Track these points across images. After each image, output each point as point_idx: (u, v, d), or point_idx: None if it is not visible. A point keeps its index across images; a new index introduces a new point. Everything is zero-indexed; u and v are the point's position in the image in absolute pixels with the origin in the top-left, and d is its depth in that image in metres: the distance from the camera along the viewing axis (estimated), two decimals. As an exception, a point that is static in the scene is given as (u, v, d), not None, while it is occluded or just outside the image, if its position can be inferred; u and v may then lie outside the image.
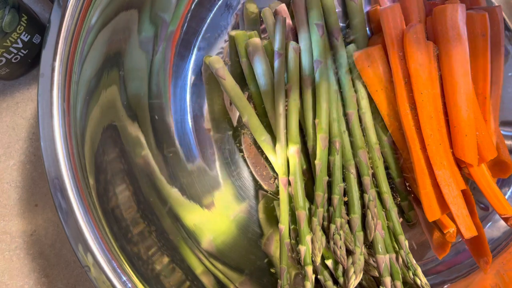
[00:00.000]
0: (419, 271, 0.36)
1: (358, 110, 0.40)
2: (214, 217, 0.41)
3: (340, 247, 0.35)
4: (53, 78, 0.32)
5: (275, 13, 0.43)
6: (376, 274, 0.37)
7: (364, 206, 0.37)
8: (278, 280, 0.36)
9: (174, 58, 0.42)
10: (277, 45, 0.40)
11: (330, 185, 0.38)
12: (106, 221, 0.33)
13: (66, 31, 0.33)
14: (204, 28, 0.44)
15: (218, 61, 0.42)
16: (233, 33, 0.43)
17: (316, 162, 0.38)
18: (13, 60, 0.42)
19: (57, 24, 0.32)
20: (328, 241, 0.36)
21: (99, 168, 0.34)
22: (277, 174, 0.41)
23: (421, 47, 0.36)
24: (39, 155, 0.45)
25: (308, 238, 0.36)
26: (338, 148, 0.38)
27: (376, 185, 0.38)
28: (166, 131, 0.41)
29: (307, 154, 0.40)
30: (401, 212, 0.41)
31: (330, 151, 0.38)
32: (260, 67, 0.41)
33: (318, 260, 0.35)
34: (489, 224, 0.42)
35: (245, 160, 0.44)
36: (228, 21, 0.45)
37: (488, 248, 0.37)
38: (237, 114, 0.44)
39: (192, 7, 0.43)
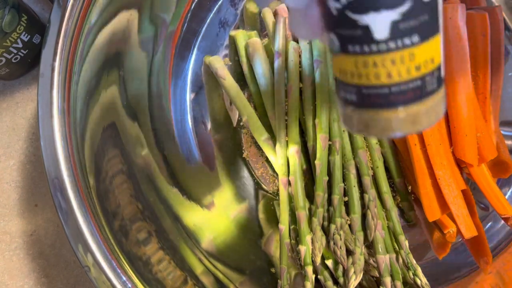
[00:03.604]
0: (419, 271, 0.36)
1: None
2: (214, 217, 0.41)
3: (340, 247, 0.35)
4: (53, 78, 0.32)
5: (275, 13, 0.43)
6: (376, 274, 0.37)
7: (364, 206, 0.37)
8: (278, 280, 0.36)
9: (174, 58, 0.42)
10: (277, 45, 0.40)
11: (330, 185, 0.38)
12: (106, 221, 0.33)
13: (66, 31, 0.33)
14: (204, 28, 0.44)
15: (218, 61, 0.42)
16: (233, 33, 0.43)
17: (316, 162, 0.37)
18: (13, 60, 0.42)
19: (57, 24, 0.32)
20: (328, 241, 0.36)
21: (99, 168, 0.34)
22: (277, 174, 0.41)
23: (421, 47, 0.36)
24: (39, 155, 0.45)
25: (308, 238, 0.36)
26: (338, 148, 0.38)
27: (376, 185, 0.38)
28: (166, 131, 0.41)
29: (307, 154, 0.40)
30: (401, 212, 0.41)
31: (330, 151, 0.38)
32: (260, 67, 0.41)
33: (318, 260, 0.35)
34: (489, 224, 0.42)
35: (245, 160, 0.44)
36: (229, 21, 0.45)
37: (488, 248, 0.37)
38: (237, 114, 0.44)
39: (192, 7, 0.43)
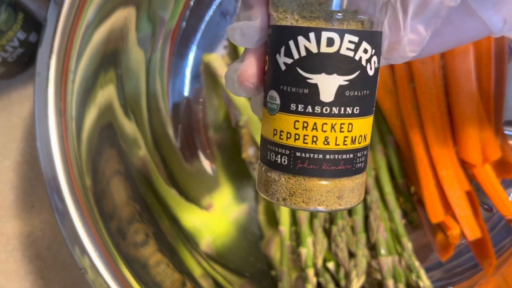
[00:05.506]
0: (422, 273, 0.35)
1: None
2: (213, 218, 0.41)
3: (342, 249, 0.35)
4: (49, 77, 0.32)
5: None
6: (379, 276, 0.37)
7: (366, 208, 0.37)
8: (279, 283, 0.36)
9: (173, 56, 0.42)
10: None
11: (331, 186, 0.37)
12: (103, 223, 0.33)
13: (63, 29, 0.32)
14: (203, 26, 0.43)
15: (217, 60, 0.42)
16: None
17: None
18: (9, 59, 0.42)
19: (53, 22, 0.32)
20: (329, 243, 0.36)
21: (96, 168, 0.34)
22: (277, 175, 0.40)
23: (424, 45, 0.36)
24: (35, 155, 0.44)
25: (309, 240, 0.35)
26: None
27: (379, 186, 0.38)
28: (164, 131, 0.41)
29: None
30: (404, 213, 0.40)
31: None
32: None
33: (320, 262, 0.35)
34: (492, 226, 0.42)
35: (244, 161, 0.43)
36: (230, 12, 0.44)
37: (492, 250, 0.37)
38: (237, 113, 0.44)
39: (191, 4, 0.42)
